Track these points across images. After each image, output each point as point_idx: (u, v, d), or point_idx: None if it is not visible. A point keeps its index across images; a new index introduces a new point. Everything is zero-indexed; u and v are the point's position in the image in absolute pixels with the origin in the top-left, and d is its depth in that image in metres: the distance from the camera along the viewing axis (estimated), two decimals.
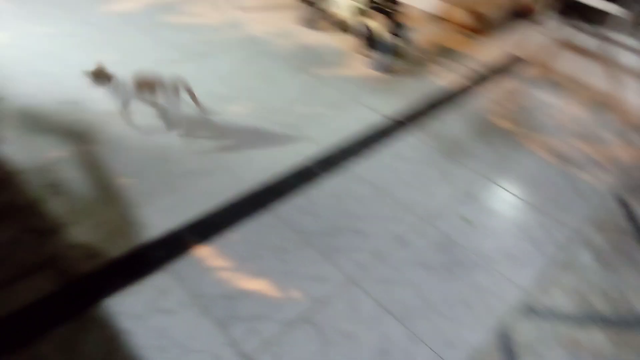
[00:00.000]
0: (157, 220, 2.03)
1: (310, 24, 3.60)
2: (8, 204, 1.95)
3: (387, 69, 3.21)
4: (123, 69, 2.79)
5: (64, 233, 1.93)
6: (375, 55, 3.19)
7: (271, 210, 2.14)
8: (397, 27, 3.05)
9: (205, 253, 1.93)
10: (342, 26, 3.39)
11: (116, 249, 1.90)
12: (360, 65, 3.27)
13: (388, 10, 3.09)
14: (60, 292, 1.72)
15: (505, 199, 2.40)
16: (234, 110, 2.72)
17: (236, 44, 3.34)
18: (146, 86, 2.41)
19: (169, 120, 2.55)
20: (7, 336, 1.59)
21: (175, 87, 2.41)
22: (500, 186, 2.46)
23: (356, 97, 2.96)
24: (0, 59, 2.89)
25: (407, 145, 2.63)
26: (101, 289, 1.76)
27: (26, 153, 2.28)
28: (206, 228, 2.03)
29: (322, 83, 3.05)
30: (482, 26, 3.92)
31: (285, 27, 3.61)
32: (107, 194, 2.13)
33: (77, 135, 2.42)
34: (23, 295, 1.69)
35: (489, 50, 3.77)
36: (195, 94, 2.53)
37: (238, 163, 2.37)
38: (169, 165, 2.31)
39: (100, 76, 2.37)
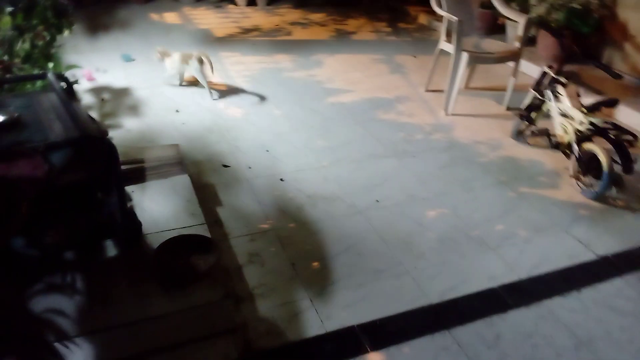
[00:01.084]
0: (336, 312, 2.08)
1: (522, 137, 3.48)
2: (218, 265, 2.18)
3: (603, 199, 2.89)
4: (331, 154, 3.04)
5: (255, 304, 2.09)
6: (592, 181, 2.91)
7: (450, 332, 2.03)
8: (621, 155, 2.75)
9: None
10: (558, 145, 3.19)
11: (294, 332, 1.98)
12: (572, 189, 3.01)
13: (613, 135, 2.83)
14: None
15: None
16: (427, 214, 2.71)
17: (440, 147, 3.38)
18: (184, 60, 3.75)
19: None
20: None
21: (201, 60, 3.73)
22: None
23: (563, 224, 2.71)
24: (232, 131, 3.39)
25: (619, 294, 2.28)
26: None
27: (240, 221, 2.58)
28: (380, 334, 2.01)
29: (526, 202, 2.87)
30: None
31: (494, 136, 3.55)
32: (297, 275, 2.26)
33: (283, 211, 2.66)
34: (206, 355, 1.86)
35: None
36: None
37: (425, 272, 2.33)
38: (361, 259, 2.38)
39: (165, 54, 3.82)
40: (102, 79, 4.00)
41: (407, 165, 3.15)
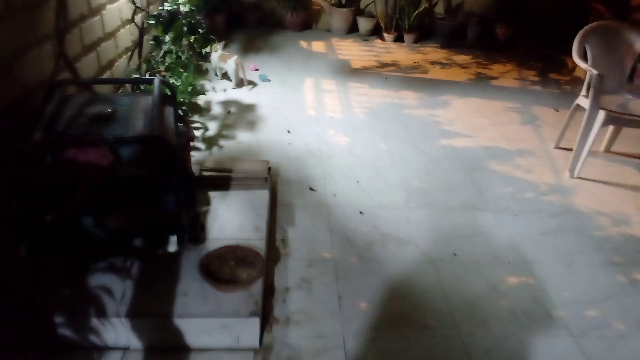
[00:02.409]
0: (369, 358, 1.96)
1: None
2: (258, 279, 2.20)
3: None
4: (422, 197, 2.90)
5: (287, 328, 2.07)
6: None
7: None
8: None
9: None
10: None
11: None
12: None
13: None
14: None
15: None
16: (507, 280, 2.42)
17: (550, 211, 3.01)
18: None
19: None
20: None
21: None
22: None
23: None
24: (332, 157, 3.42)
25: None
26: None
27: (305, 244, 2.58)
28: None
29: (638, 292, 2.41)
30: None
31: (623, 210, 3.06)
32: (340, 311, 2.18)
33: (350, 243, 2.60)
34: None
35: None
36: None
37: (481, 343, 2.08)
38: (414, 311, 2.22)
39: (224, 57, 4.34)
40: (234, 94, 4.37)
41: (503, 224, 2.86)
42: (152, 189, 1.95)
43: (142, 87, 3.26)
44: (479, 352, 2.03)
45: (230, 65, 4.39)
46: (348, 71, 5.25)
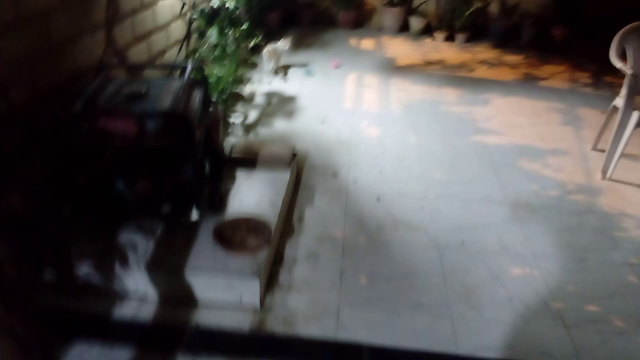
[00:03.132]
0: (355, 327, 2.11)
1: None
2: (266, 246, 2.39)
3: None
4: (442, 188, 2.99)
5: (289, 294, 2.26)
6: None
7: None
8: None
9: None
10: None
11: (306, 329, 2.08)
12: None
13: None
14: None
15: None
16: (510, 271, 2.47)
17: (572, 210, 2.99)
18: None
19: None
20: None
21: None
22: None
23: None
24: (360, 147, 3.57)
25: None
26: None
27: (319, 223, 2.75)
28: None
29: None
30: None
31: None
32: (341, 283, 2.34)
33: (362, 226, 2.75)
34: (224, 317, 2.09)
35: None
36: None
37: (470, 324, 2.16)
38: (411, 290, 2.33)
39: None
40: (279, 86, 4.61)
41: (520, 218, 2.89)
42: (173, 159, 2.19)
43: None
44: (466, 332, 2.12)
45: (264, 54, 4.64)
46: (392, 68, 5.35)
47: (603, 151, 3.60)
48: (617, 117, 3.26)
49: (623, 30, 3.41)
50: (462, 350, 2.03)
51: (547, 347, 2.07)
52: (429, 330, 2.12)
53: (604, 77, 5.32)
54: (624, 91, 3.26)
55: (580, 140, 3.91)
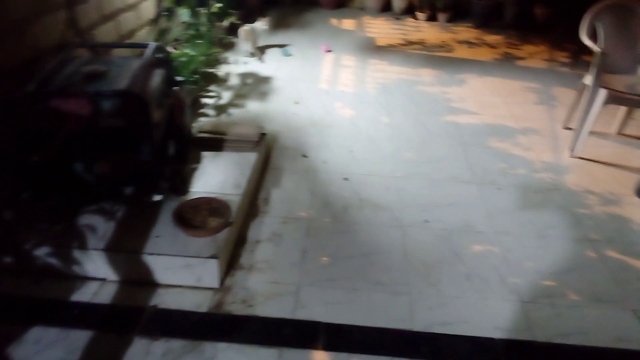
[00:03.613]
0: (313, 305, 2.14)
1: None
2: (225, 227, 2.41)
3: None
4: (411, 167, 3.01)
5: (250, 274, 2.28)
6: None
7: None
8: None
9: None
10: None
11: (264, 309, 2.11)
12: None
13: None
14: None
15: None
16: (471, 248, 2.50)
17: (538, 187, 3.02)
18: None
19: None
20: None
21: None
22: None
23: (635, 302, 2.23)
24: (332, 128, 3.57)
25: None
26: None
27: (285, 204, 2.77)
28: (341, 338, 2.00)
29: (604, 268, 2.43)
30: None
31: (616, 191, 3.02)
32: (302, 262, 2.36)
33: (327, 205, 2.76)
34: (184, 299, 2.11)
35: None
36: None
37: (427, 301, 2.20)
38: (372, 268, 2.36)
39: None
40: (254, 66, 4.57)
41: (485, 197, 2.92)
42: (131, 140, 2.19)
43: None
44: (422, 309, 2.15)
45: (240, 34, 4.61)
46: (371, 48, 5.32)
47: (573, 129, 3.63)
48: (585, 94, 3.27)
49: (594, 7, 3.40)
50: (418, 326, 2.07)
51: (500, 321, 2.11)
52: (386, 307, 2.16)
53: (582, 56, 5.32)
54: (593, 69, 3.26)
55: (552, 119, 3.93)
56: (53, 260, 2.15)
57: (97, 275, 2.20)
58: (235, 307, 2.12)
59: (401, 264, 2.40)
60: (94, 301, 2.10)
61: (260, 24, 4.76)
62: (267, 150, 3.21)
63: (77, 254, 2.15)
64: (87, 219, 2.29)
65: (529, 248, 2.54)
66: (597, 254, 2.52)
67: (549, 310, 2.18)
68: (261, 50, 4.86)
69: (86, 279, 2.20)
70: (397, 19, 6.44)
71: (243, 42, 4.75)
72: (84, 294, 2.12)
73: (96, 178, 2.26)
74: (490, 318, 2.13)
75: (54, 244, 2.16)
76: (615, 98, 3.15)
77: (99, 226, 2.26)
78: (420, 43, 5.56)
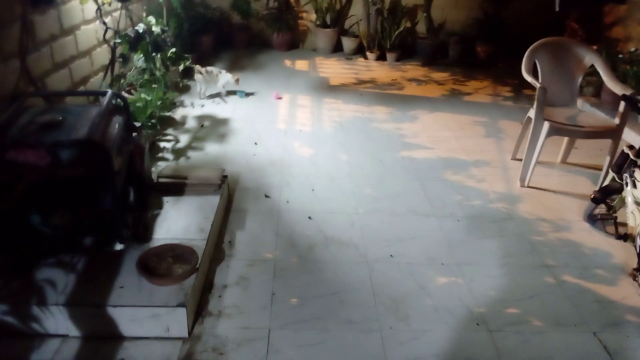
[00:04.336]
0: (286, 349, 2.10)
1: (594, 221, 3.06)
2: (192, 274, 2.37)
3: None
4: (372, 203, 3.06)
5: (218, 321, 2.23)
6: None
7: None
8: None
9: None
10: (626, 236, 2.74)
11: (236, 356, 2.06)
12: (632, 290, 2.56)
13: None
14: None
15: None
16: (436, 280, 2.56)
17: (494, 217, 3.15)
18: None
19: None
20: None
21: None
22: None
23: (595, 325, 2.33)
24: (293, 167, 3.60)
25: None
26: None
27: (250, 246, 2.75)
28: None
29: (562, 293, 2.53)
30: None
31: (566, 217, 3.18)
32: (271, 306, 2.34)
33: (293, 245, 2.76)
34: (152, 352, 2.03)
35: None
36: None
37: (398, 336, 2.21)
38: (341, 307, 2.36)
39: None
40: (212, 109, 4.59)
41: (445, 228, 3.00)
42: (92, 189, 2.14)
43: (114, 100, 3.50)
44: (394, 345, 2.17)
45: (197, 78, 4.70)
46: (326, 88, 5.46)
47: (521, 160, 3.82)
48: (530, 128, 3.47)
49: (533, 46, 3.65)
50: None
51: (471, 352, 2.16)
52: (359, 345, 2.16)
53: (523, 90, 5.66)
54: (535, 103, 3.48)
55: (501, 151, 4.13)
56: (10, 319, 2.04)
57: (58, 332, 2.09)
58: (206, 355, 2.06)
59: (370, 300, 2.42)
60: (56, 359, 1.99)
61: (217, 69, 4.78)
62: (229, 192, 3.20)
63: (35, 310, 2.05)
64: (46, 273, 2.19)
65: (491, 277, 2.62)
66: (555, 280, 2.63)
67: (515, 338, 2.24)
68: (222, 94, 4.89)
69: (46, 336, 2.09)
70: (349, 59, 6.65)
71: (201, 84, 4.76)
72: (44, 353, 2.01)
73: (55, 229, 2.19)
74: (460, 349, 2.17)
75: (11, 302, 2.05)
76: (557, 129, 3.36)
77: (58, 280, 2.17)
78: (372, 82, 5.76)
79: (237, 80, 4.77)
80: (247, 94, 5.00)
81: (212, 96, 4.83)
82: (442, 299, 2.44)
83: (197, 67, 4.64)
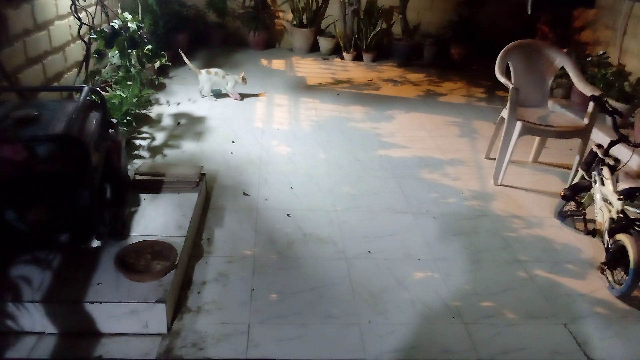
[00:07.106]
0: (266, 343, 2.12)
1: (564, 218, 3.16)
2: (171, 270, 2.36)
3: (631, 300, 2.51)
4: (349, 201, 3.09)
5: (198, 317, 2.23)
6: (619, 278, 2.55)
7: None
8: None
9: None
10: (594, 232, 2.85)
11: (215, 351, 2.07)
12: (600, 283, 2.66)
13: None
14: None
15: None
16: (413, 275, 2.61)
17: (468, 214, 3.22)
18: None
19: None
20: None
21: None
22: None
23: (565, 317, 2.41)
24: (270, 165, 3.61)
25: None
26: None
27: (229, 243, 2.75)
28: None
29: (534, 286, 2.61)
30: None
31: (538, 214, 3.28)
32: (251, 301, 2.34)
33: (272, 242, 2.78)
34: (130, 348, 2.02)
35: None
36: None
37: (377, 329, 2.25)
38: (320, 302, 2.38)
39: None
40: (188, 107, 4.56)
41: (422, 225, 3.06)
42: (68, 185, 2.11)
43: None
44: (373, 338, 2.20)
45: (203, 76, 4.74)
46: (303, 87, 5.48)
47: (494, 159, 3.91)
48: (503, 127, 3.56)
49: (506, 48, 3.75)
50: (370, 355, 2.11)
51: (447, 344, 2.21)
52: (338, 339, 2.19)
53: (496, 91, 5.79)
54: (508, 103, 3.57)
55: (475, 150, 4.22)
56: None
57: (34, 329, 2.06)
58: (185, 351, 2.06)
59: (349, 295, 2.45)
60: (32, 357, 1.96)
61: (216, 70, 4.79)
62: (207, 190, 3.19)
63: (11, 307, 2.01)
64: (21, 270, 2.16)
65: (466, 272, 2.68)
66: (527, 274, 2.71)
67: (489, 330, 2.31)
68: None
69: (22, 333, 2.05)
70: (325, 59, 6.69)
71: (205, 82, 4.76)
72: (20, 350, 1.98)
73: (30, 225, 2.15)
74: (437, 342, 2.21)
75: None
76: (529, 129, 3.46)
77: (34, 277, 2.13)
78: (349, 82, 5.80)
79: (243, 79, 4.77)
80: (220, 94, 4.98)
81: (218, 96, 4.87)
82: (419, 293, 2.49)
83: (206, 70, 4.67)
